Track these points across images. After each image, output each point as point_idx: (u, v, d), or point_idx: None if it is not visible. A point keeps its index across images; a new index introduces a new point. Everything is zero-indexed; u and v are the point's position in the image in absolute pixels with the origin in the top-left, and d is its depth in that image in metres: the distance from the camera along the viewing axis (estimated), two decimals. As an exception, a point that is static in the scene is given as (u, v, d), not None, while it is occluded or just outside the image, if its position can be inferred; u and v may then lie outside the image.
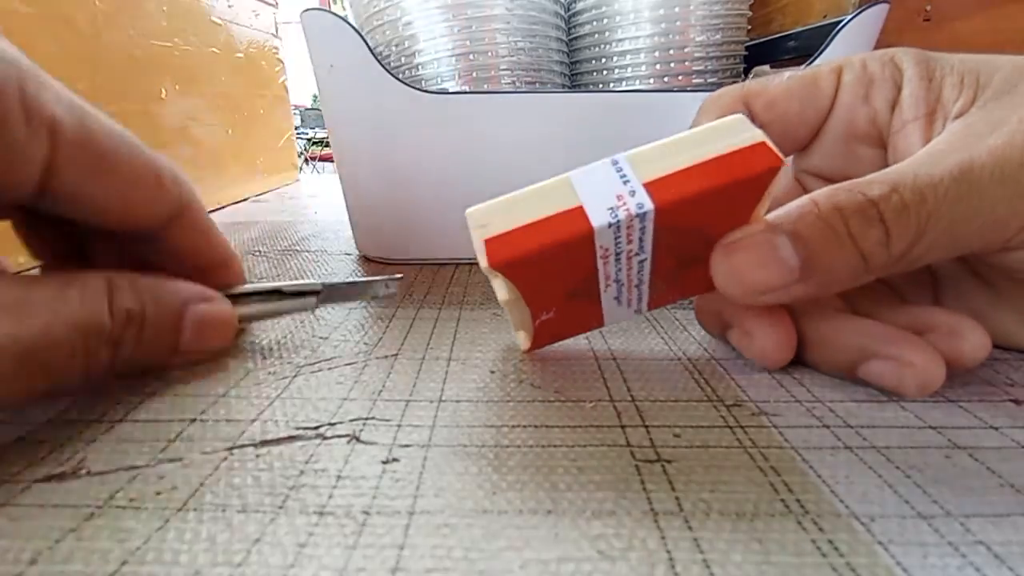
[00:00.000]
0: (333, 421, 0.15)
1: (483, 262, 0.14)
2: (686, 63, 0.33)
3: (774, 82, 0.21)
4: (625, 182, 0.14)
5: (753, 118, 0.20)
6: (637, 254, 0.15)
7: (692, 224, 0.15)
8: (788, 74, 0.21)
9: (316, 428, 0.15)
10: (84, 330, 0.14)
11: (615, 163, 0.15)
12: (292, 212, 0.49)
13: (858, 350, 0.16)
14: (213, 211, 0.49)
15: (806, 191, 0.19)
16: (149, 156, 0.17)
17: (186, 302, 0.17)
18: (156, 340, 0.16)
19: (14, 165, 0.14)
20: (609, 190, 0.14)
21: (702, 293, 0.19)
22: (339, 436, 0.14)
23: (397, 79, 0.28)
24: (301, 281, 0.20)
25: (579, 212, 0.14)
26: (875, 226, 0.14)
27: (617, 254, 0.15)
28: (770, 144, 0.14)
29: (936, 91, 0.18)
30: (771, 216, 0.15)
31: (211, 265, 0.19)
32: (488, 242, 0.14)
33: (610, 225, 0.14)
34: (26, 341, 0.13)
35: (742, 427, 0.14)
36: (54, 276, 0.15)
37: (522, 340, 0.19)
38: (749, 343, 0.17)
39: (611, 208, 0.14)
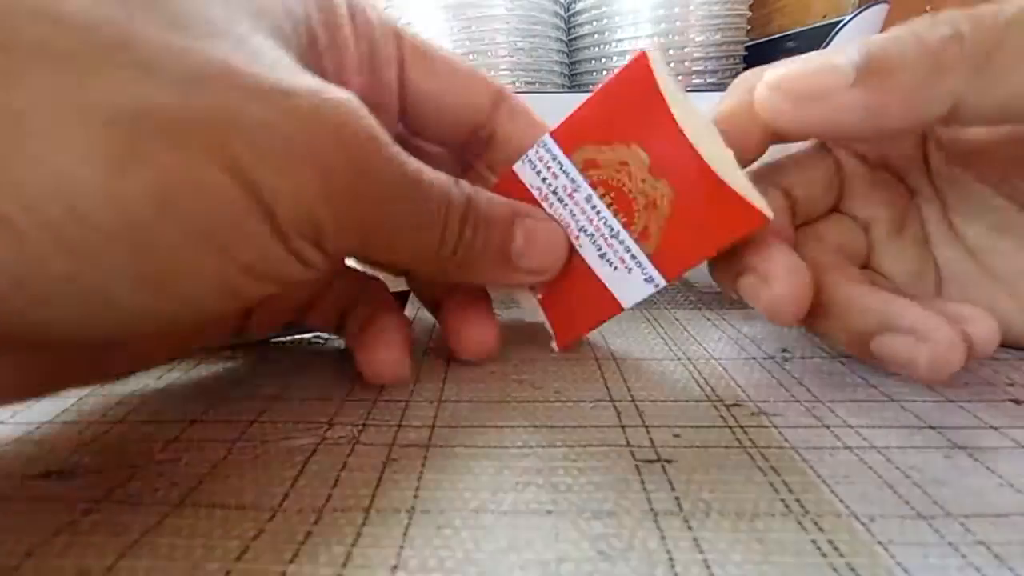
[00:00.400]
0: (333, 421, 0.15)
1: None
2: (685, 63, 0.33)
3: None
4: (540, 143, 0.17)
5: None
6: (575, 190, 0.17)
7: (605, 139, 0.16)
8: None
9: (316, 428, 0.15)
10: (442, 194, 0.14)
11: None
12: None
13: (877, 319, 0.15)
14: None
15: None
16: (460, 59, 0.17)
17: (516, 212, 0.16)
18: (490, 239, 0.15)
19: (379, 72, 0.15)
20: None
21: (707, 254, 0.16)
22: (339, 436, 0.14)
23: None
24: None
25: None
26: (943, 25, 0.13)
27: (554, 191, 0.17)
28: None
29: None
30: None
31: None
32: None
33: (523, 161, 0.17)
34: (413, 178, 0.13)
35: (742, 427, 0.14)
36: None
37: (552, 340, 0.19)
38: (763, 289, 0.15)
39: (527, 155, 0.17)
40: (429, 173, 0.14)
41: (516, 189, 0.17)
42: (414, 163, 0.13)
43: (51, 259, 0.09)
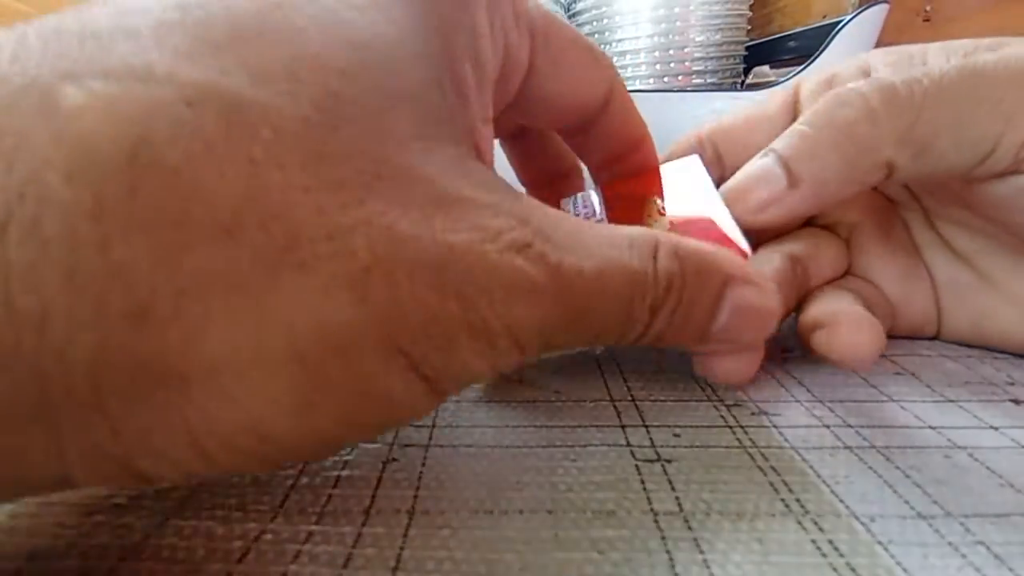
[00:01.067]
0: (333, 421, 0.15)
1: None
2: (686, 63, 0.33)
3: (725, 119, 0.21)
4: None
5: (707, 147, 0.21)
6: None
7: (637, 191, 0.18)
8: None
9: (316, 428, 0.15)
10: (632, 283, 0.12)
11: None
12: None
13: (807, 321, 0.16)
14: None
15: None
16: (579, 34, 0.15)
17: (728, 281, 0.13)
18: (689, 317, 0.13)
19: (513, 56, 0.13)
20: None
21: None
22: (339, 436, 0.14)
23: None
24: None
25: None
26: (855, 103, 0.14)
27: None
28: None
29: (920, 58, 0.17)
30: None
31: (631, 147, 0.18)
32: None
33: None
34: (589, 278, 0.11)
35: (742, 427, 0.14)
36: (591, 223, 0.12)
37: None
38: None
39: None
40: (620, 261, 0.12)
41: None
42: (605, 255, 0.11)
43: (236, 464, 0.09)
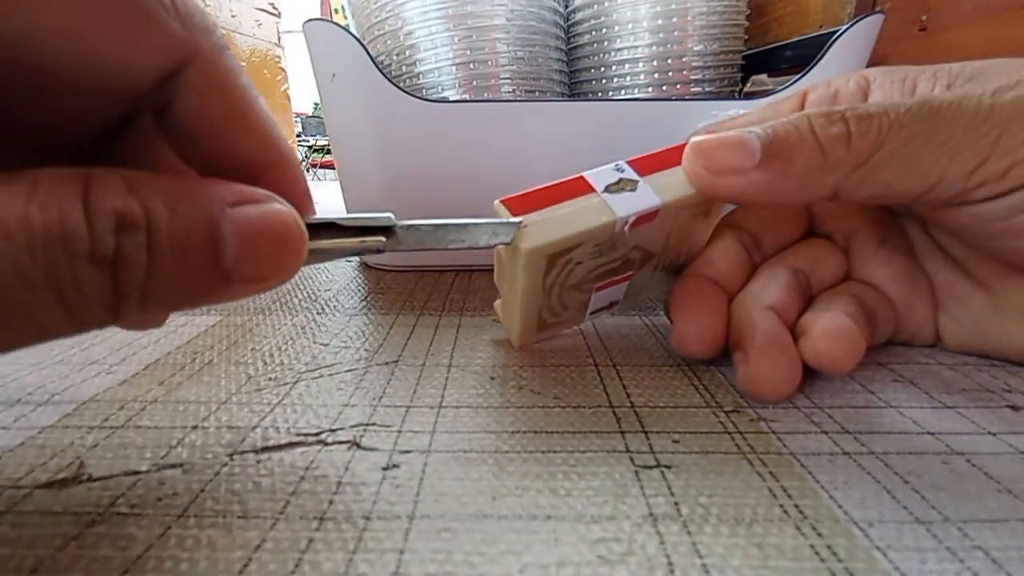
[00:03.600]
0: (334, 427, 0.15)
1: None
2: (684, 72, 0.33)
3: (738, 117, 0.22)
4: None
5: None
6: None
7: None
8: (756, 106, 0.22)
9: (317, 434, 0.15)
10: (44, 237, 0.09)
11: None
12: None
13: (734, 338, 0.17)
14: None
15: None
16: None
17: (220, 204, 0.11)
18: (180, 259, 0.10)
19: None
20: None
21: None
22: (340, 442, 0.14)
23: (398, 88, 0.28)
24: (366, 214, 0.14)
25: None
26: (837, 124, 0.15)
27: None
28: None
29: (911, 86, 0.18)
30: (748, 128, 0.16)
31: (252, 166, 0.13)
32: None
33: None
34: None
35: (741, 433, 0.15)
36: None
37: (515, 336, 0.20)
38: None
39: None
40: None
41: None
42: None
43: None
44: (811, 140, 0.15)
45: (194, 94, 0.12)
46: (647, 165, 0.18)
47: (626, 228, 0.17)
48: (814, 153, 0.15)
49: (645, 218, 0.17)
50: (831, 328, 0.16)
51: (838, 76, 0.20)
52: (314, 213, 0.14)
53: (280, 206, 0.12)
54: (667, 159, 0.18)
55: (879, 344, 0.20)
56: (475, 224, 0.16)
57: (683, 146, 0.17)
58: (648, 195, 0.17)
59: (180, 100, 0.12)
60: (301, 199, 0.13)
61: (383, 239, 0.14)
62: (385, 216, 0.14)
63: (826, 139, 0.15)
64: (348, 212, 0.32)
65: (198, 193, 0.11)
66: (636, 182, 0.17)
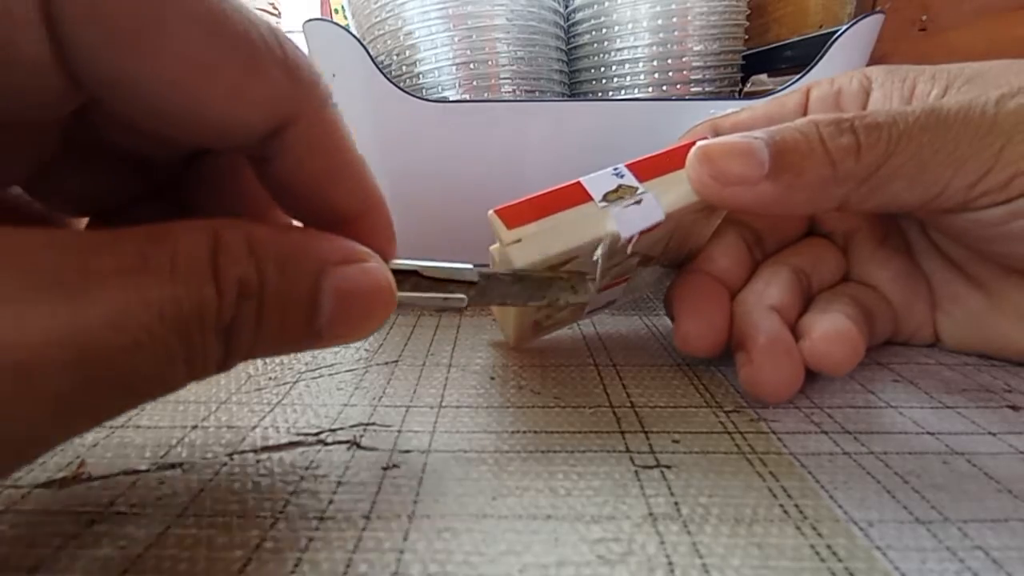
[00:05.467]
0: (334, 427, 0.15)
1: (506, 236, 0.15)
2: (684, 72, 0.33)
3: (743, 111, 0.21)
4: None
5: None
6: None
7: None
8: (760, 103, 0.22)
9: (317, 434, 0.15)
10: (179, 320, 0.09)
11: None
12: (293, 219, 0.50)
13: (737, 338, 0.17)
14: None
15: None
16: (240, 16, 0.10)
17: (324, 264, 0.11)
18: (282, 319, 0.10)
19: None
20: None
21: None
22: (340, 442, 0.14)
23: (398, 88, 0.28)
24: (447, 264, 0.14)
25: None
26: (846, 135, 0.15)
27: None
28: None
29: (910, 87, 0.18)
30: (753, 132, 0.16)
31: (346, 214, 0.13)
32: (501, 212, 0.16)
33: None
34: (84, 342, 0.08)
35: (741, 433, 0.15)
36: (124, 233, 0.09)
37: (511, 339, 0.20)
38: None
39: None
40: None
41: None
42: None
43: None
44: (820, 151, 0.15)
45: (295, 154, 0.11)
46: (647, 169, 0.17)
47: (629, 246, 0.16)
48: (824, 165, 0.15)
49: (647, 231, 0.16)
50: (831, 331, 0.16)
51: (841, 74, 0.20)
52: (395, 255, 0.13)
53: (376, 266, 0.12)
54: (668, 162, 0.17)
55: (878, 344, 0.20)
56: (554, 279, 0.16)
57: (684, 148, 0.17)
58: (650, 207, 0.16)
59: (280, 159, 0.11)
60: (388, 244, 0.13)
61: (464, 296, 0.14)
62: (468, 269, 0.14)
63: (836, 150, 0.15)
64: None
65: (306, 253, 0.11)
66: (636, 189, 0.16)
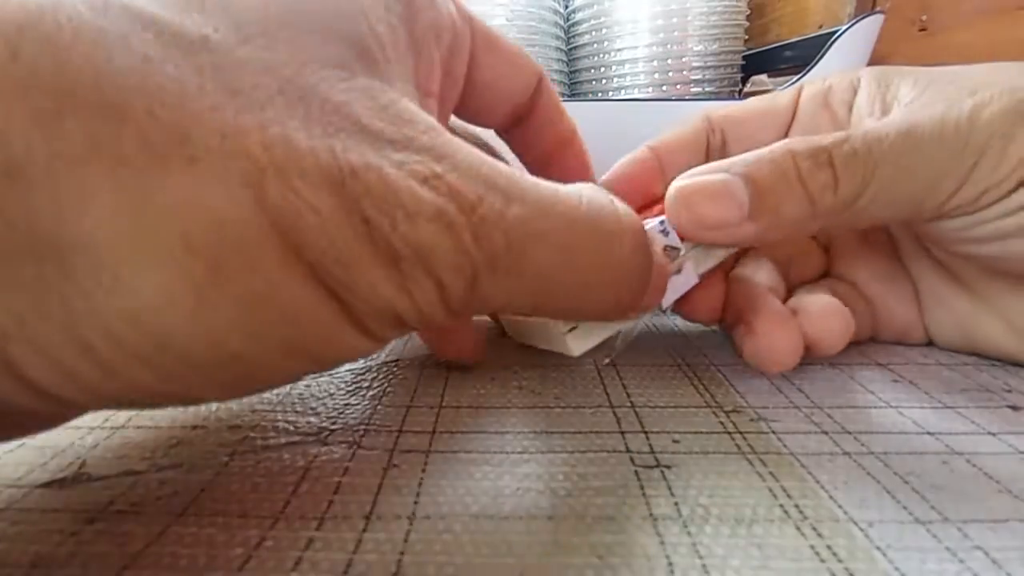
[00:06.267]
0: (334, 427, 0.15)
1: None
2: (684, 72, 0.33)
3: (737, 104, 0.22)
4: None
5: (716, 133, 0.21)
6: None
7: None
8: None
9: (317, 434, 0.15)
10: (593, 229, 0.12)
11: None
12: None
13: (736, 311, 0.17)
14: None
15: None
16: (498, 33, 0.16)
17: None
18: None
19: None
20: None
21: None
22: (340, 442, 0.14)
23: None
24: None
25: None
26: (824, 170, 0.15)
27: None
28: None
29: (894, 92, 0.18)
30: (728, 160, 0.16)
31: (562, 143, 0.19)
32: None
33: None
34: (516, 220, 0.10)
35: (741, 433, 0.15)
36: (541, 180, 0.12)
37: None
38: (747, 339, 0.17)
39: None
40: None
41: None
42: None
43: (137, 378, 0.08)
44: (800, 191, 0.15)
45: (545, 100, 0.18)
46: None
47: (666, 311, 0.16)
48: (803, 203, 0.15)
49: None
50: (828, 306, 0.17)
51: (836, 73, 0.20)
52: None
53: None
54: None
55: (863, 342, 0.20)
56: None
57: None
58: (688, 274, 0.16)
59: (536, 113, 0.18)
60: (582, 157, 0.19)
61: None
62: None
63: (814, 187, 0.15)
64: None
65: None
66: (679, 251, 0.16)
